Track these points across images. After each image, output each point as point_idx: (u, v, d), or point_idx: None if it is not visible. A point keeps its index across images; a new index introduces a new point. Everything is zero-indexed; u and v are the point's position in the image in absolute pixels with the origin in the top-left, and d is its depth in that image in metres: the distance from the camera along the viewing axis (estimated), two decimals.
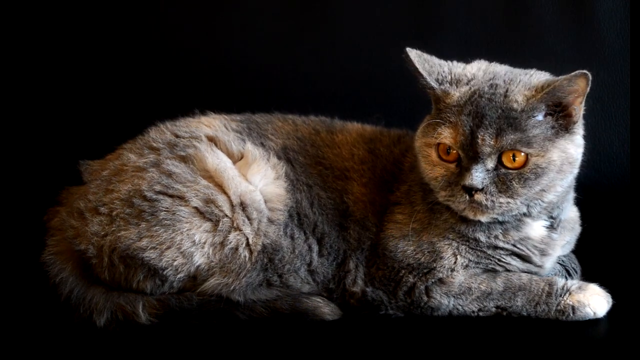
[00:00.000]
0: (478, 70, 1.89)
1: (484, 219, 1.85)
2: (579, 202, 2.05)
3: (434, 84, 1.85)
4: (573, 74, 1.76)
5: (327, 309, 1.92)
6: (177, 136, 2.01)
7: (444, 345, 1.81)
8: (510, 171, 1.79)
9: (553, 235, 1.94)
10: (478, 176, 1.78)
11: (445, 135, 1.81)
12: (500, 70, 1.89)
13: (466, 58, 1.99)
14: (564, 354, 1.76)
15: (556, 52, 2.57)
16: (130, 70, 2.71)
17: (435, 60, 1.91)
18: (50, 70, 2.70)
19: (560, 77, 1.80)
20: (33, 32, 2.69)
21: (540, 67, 1.93)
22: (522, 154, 1.78)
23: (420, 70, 1.86)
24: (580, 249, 2.10)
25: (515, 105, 1.79)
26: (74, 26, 2.70)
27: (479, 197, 1.79)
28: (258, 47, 2.71)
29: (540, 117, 1.80)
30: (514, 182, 1.79)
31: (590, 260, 2.12)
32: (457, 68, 1.90)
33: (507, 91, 1.81)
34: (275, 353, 1.80)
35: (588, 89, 1.79)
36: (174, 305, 1.89)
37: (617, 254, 2.29)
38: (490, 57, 1.99)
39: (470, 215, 1.84)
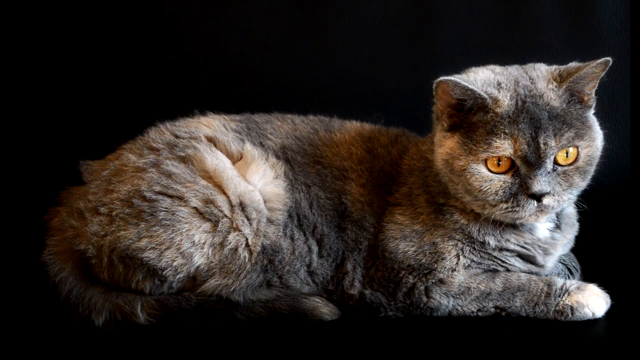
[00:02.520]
0: (493, 74, 1.86)
1: (544, 219, 1.86)
2: (578, 202, 2.04)
3: (484, 94, 1.79)
4: (597, 62, 1.78)
5: (326, 309, 1.93)
6: (176, 137, 2.01)
7: (444, 345, 1.81)
8: (567, 167, 1.80)
9: (555, 235, 1.94)
10: (545, 181, 1.77)
11: (505, 148, 1.77)
12: (511, 71, 1.88)
13: (466, 58, 1.99)
14: (563, 354, 1.76)
15: (556, 52, 2.57)
16: (130, 70, 2.71)
17: (464, 76, 1.86)
18: (50, 70, 2.70)
19: (575, 64, 1.83)
20: (33, 32, 2.69)
21: None
22: (575, 148, 1.79)
23: (471, 87, 1.78)
24: (580, 249, 2.10)
25: (554, 103, 1.79)
26: (74, 26, 2.70)
27: (547, 200, 1.79)
28: (257, 47, 2.71)
29: (572, 108, 1.81)
30: (575, 177, 1.81)
31: (589, 260, 2.11)
32: (473, 77, 1.86)
33: (539, 91, 1.81)
34: (275, 353, 1.80)
35: (603, 73, 1.82)
36: (172, 306, 1.89)
37: (616, 254, 2.28)
38: (490, 57, 1.99)
39: (532, 220, 1.84)
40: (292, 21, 2.71)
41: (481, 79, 1.84)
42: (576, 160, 1.80)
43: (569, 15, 2.60)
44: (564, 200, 1.81)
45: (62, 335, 1.88)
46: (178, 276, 1.89)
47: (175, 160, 1.94)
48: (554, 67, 1.89)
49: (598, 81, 1.84)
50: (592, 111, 1.86)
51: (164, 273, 1.88)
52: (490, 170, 1.80)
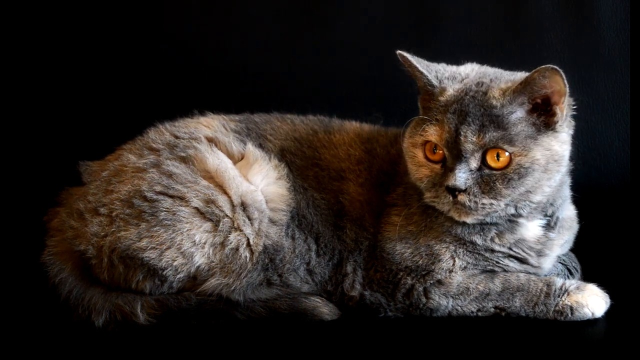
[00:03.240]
0: (471, 70, 1.90)
1: (468, 220, 1.85)
2: (578, 202, 2.05)
3: (434, 81, 1.85)
4: (543, 66, 1.74)
5: (325, 309, 1.93)
6: (176, 137, 2.01)
7: (444, 345, 1.81)
8: (494, 172, 1.78)
9: (550, 234, 1.93)
10: (461, 177, 1.78)
11: (431, 133, 1.81)
12: (490, 70, 1.91)
13: (466, 58, 1.99)
14: (563, 354, 1.76)
15: (556, 52, 2.57)
16: (129, 70, 2.71)
17: (429, 63, 1.92)
18: (50, 71, 2.70)
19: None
20: (33, 32, 2.69)
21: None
22: (506, 153, 1.78)
23: (420, 68, 1.86)
24: (580, 249, 2.10)
25: (494, 102, 1.79)
26: (74, 26, 2.70)
27: (462, 198, 1.79)
28: (257, 47, 2.71)
29: (520, 114, 1.79)
30: (497, 183, 1.79)
31: (589, 260, 2.11)
32: (451, 68, 1.92)
33: (488, 89, 1.81)
34: (274, 353, 1.80)
35: (567, 88, 1.78)
36: (172, 306, 1.89)
37: (616, 254, 2.28)
38: (490, 57, 1.99)
39: (455, 216, 1.84)
40: (292, 21, 2.71)
41: (450, 69, 1.89)
42: (506, 167, 1.78)
43: (569, 15, 2.60)
44: (483, 203, 1.79)
45: (62, 336, 1.88)
46: (178, 276, 1.89)
47: (175, 160, 1.94)
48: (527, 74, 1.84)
49: (564, 96, 1.79)
50: (562, 126, 1.82)
51: (164, 273, 1.88)
52: (426, 157, 1.84)
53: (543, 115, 1.81)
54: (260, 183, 1.96)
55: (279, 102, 2.22)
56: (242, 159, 2.00)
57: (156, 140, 2.00)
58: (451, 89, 1.84)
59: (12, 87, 2.70)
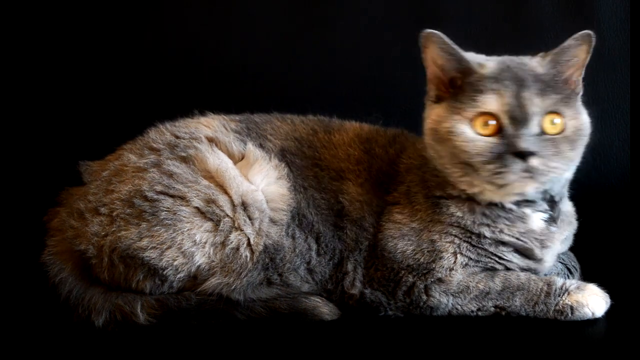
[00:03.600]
0: (483, 56, 1.92)
1: (531, 188, 1.82)
2: (578, 202, 2.05)
3: (469, 59, 1.83)
4: (579, 33, 1.81)
5: (325, 309, 1.93)
6: (177, 137, 2.01)
7: (444, 345, 1.81)
8: (555, 136, 1.79)
9: (552, 227, 1.93)
10: (531, 139, 1.75)
11: (490, 102, 1.78)
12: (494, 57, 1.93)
13: None
14: (563, 354, 1.76)
15: None
16: (129, 71, 2.71)
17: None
18: (50, 70, 2.70)
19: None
20: (33, 32, 2.69)
21: None
22: (562, 117, 1.79)
23: (453, 46, 1.83)
24: (580, 249, 2.10)
25: (539, 69, 1.81)
26: (74, 26, 2.70)
27: (534, 161, 1.75)
28: (257, 47, 2.71)
29: (554, 77, 1.82)
30: (564, 145, 1.79)
31: (589, 260, 2.12)
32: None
33: (523, 61, 1.84)
34: (274, 353, 1.80)
35: (588, 57, 1.83)
36: (172, 305, 1.89)
37: (616, 254, 2.29)
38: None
39: (519, 187, 1.81)
40: (292, 21, 2.71)
41: (470, 54, 1.89)
42: (563, 130, 1.79)
43: (569, 15, 2.60)
44: (552, 166, 1.78)
45: (62, 335, 1.88)
46: (179, 275, 1.89)
47: (176, 160, 1.94)
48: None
49: (584, 67, 1.85)
50: (579, 99, 1.87)
51: (164, 272, 1.89)
52: (477, 132, 1.80)
53: (565, 85, 1.84)
54: (261, 183, 1.96)
55: (279, 102, 2.22)
56: (242, 158, 2.00)
57: (157, 140, 2.00)
58: (491, 62, 1.84)
59: (12, 87, 2.70)
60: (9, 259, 2.31)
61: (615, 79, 2.54)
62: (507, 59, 1.88)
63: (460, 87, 1.84)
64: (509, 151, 1.76)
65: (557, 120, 1.79)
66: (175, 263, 1.87)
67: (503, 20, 2.64)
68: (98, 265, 1.92)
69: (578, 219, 2.04)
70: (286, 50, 2.70)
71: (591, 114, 1.88)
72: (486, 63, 1.85)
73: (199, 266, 1.88)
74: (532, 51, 2.56)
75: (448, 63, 1.85)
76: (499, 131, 1.78)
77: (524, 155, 1.75)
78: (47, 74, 2.71)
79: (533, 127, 1.77)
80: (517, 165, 1.76)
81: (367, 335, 1.87)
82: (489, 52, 2.26)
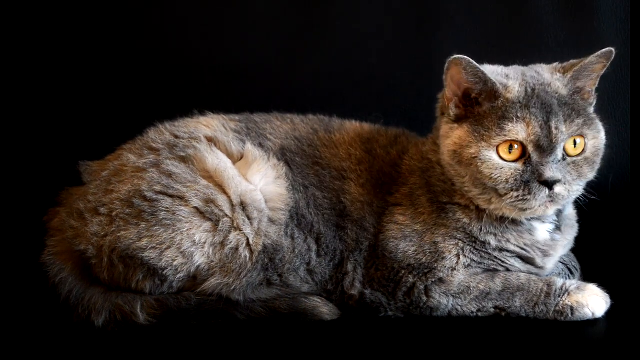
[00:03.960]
0: (502, 69, 1.89)
1: (552, 210, 1.86)
2: (578, 202, 2.04)
3: (495, 80, 1.80)
4: (602, 51, 1.82)
5: (325, 309, 1.93)
6: (176, 137, 2.01)
7: (444, 345, 1.81)
8: (576, 158, 1.81)
9: (555, 236, 1.94)
10: (556, 167, 1.78)
11: (517, 131, 1.78)
12: (518, 67, 1.91)
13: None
14: (563, 354, 1.76)
15: (556, 52, 2.57)
16: (129, 70, 2.71)
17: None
18: (50, 70, 2.70)
19: (583, 58, 1.86)
20: (33, 32, 2.69)
21: None
22: (583, 138, 1.80)
23: (485, 71, 1.80)
24: (580, 249, 2.10)
25: (563, 92, 1.82)
26: (74, 26, 2.70)
27: (559, 189, 1.79)
28: (257, 47, 2.71)
29: (575, 97, 1.84)
30: (584, 167, 1.82)
31: (589, 260, 2.12)
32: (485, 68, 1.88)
33: (546, 80, 1.83)
34: (274, 353, 1.80)
35: (604, 69, 1.85)
36: (172, 305, 1.89)
37: (616, 254, 2.28)
38: (490, 57, 1.99)
39: (541, 211, 1.83)
40: (292, 21, 2.71)
41: (490, 70, 1.86)
42: (584, 151, 1.82)
43: (569, 15, 2.60)
44: (574, 190, 1.82)
45: (62, 335, 1.88)
46: (178, 275, 1.89)
47: (175, 160, 1.94)
48: (555, 63, 1.92)
49: (599, 78, 1.86)
50: (592, 108, 1.89)
51: (164, 272, 1.89)
52: (501, 158, 1.80)
53: (581, 98, 1.85)
54: (260, 182, 1.96)
55: (279, 102, 2.22)
56: (241, 158, 2.00)
57: (156, 140, 2.00)
58: (516, 85, 1.82)
59: (12, 87, 2.70)
60: (9, 259, 2.30)
61: (615, 79, 2.54)
62: (528, 76, 1.85)
63: (483, 111, 1.82)
64: (536, 179, 1.78)
65: (579, 141, 1.81)
66: (175, 263, 1.88)
67: (503, 20, 2.64)
68: (98, 265, 1.92)
69: (578, 222, 2.04)
70: (286, 50, 2.70)
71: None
72: (511, 85, 1.82)
73: (198, 266, 1.88)
74: (531, 51, 2.58)
75: (474, 86, 1.83)
76: (523, 155, 1.79)
77: (549, 183, 1.78)
78: (47, 74, 2.71)
79: (558, 153, 1.79)
80: (543, 192, 1.79)
81: (367, 335, 1.87)
82: (489, 52, 2.26)
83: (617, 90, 2.55)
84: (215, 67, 2.71)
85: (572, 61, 1.88)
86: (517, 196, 1.80)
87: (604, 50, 1.82)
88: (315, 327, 1.90)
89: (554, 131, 1.77)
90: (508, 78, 1.84)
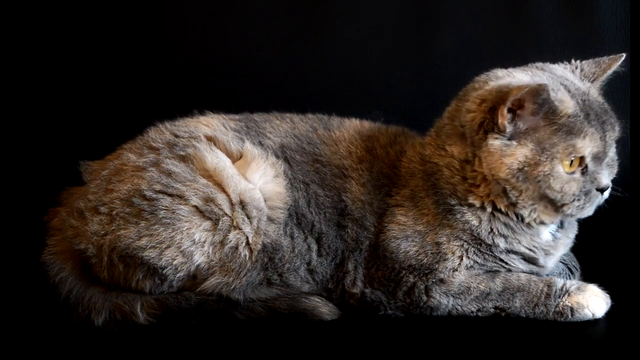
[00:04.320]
0: (533, 77, 1.86)
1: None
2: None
3: (554, 99, 1.77)
4: (622, 59, 1.91)
5: (325, 309, 1.93)
6: (176, 136, 2.01)
7: (444, 345, 1.81)
8: (607, 159, 1.86)
9: (557, 234, 1.95)
10: (607, 174, 1.85)
11: (585, 147, 1.79)
12: (544, 74, 1.89)
13: (466, 58, 1.99)
14: (563, 354, 1.76)
15: (556, 52, 2.56)
16: (129, 70, 2.71)
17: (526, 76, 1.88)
18: (50, 70, 2.70)
19: (600, 59, 1.93)
20: (33, 32, 2.69)
21: None
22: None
23: (556, 95, 1.79)
24: (580, 249, 2.09)
25: (599, 98, 1.87)
26: (74, 26, 2.70)
27: (607, 191, 1.87)
28: (256, 47, 2.71)
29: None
30: (614, 166, 1.89)
31: (589, 260, 2.11)
32: (516, 81, 1.84)
33: (583, 88, 1.85)
34: (274, 353, 1.80)
35: None
36: (172, 305, 1.89)
37: (617, 254, 2.28)
38: (490, 57, 2.00)
39: (586, 214, 1.88)
40: (292, 20, 2.71)
41: (520, 76, 1.87)
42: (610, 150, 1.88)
43: (569, 15, 2.60)
44: (610, 189, 1.88)
45: (62, 335, 1.88)
46: (178, 275, 1.89)
47: (175, 159, 1.94)
48: (566, 64, 1.94)
49: None
50: None
51: (164, 272, 1.88)
52: (565, 172, 1.82)
53: None
54: (259, 181, 1.95)
55: (279, 102, 2.22)
56: (241, 157, 2.00)
57: (156, 139, 2.00)
58: (567, 98, 1.82)
59: (12, 87, 2.70)
60: (9, 259, 2.30)
61: (615, 79, 2.53)
62: (566, 85, 1.84)
63: (541, 126, 1.79)
64: (594, 188, 1.83)
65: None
66: (175, 262, 1.87)
67: (503, 19, 2.64)
68: (98, 265, 1.92)
69: (578, 221, 2.04)
70: (286, 50, 2.70)
71: None
72: (565, 99, 1.80)
73: (198, 265, 1.88)
74: (531, 51, 2.58)
75: (526, 109, 1.79)
76: (579, 164, 1.82)
77: (604, 190, 1.84)
78: (47, 74, 2.71)
79: (607, 161, 1.85)
80: (599, 199, 1.85)
81: (367, 335, 1.87)
82: (489, 52, 2.26)
83: (617, 90, 2.55)
84: (215, 67, 2.71)
85: (589, 65, 1.92)
86: (578, 205, 1.83)
87: (622, 56, 1.91)
88: (315, 327, 1.90)
89: (609, 141, 1.83)
90: (554, 90, 1.81)
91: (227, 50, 2.71)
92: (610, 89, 2.53)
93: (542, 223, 1.90)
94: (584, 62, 1.95)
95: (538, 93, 1.74)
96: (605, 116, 1.84)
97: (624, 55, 1.87)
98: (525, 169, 1.81)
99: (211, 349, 1.81)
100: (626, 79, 2.54)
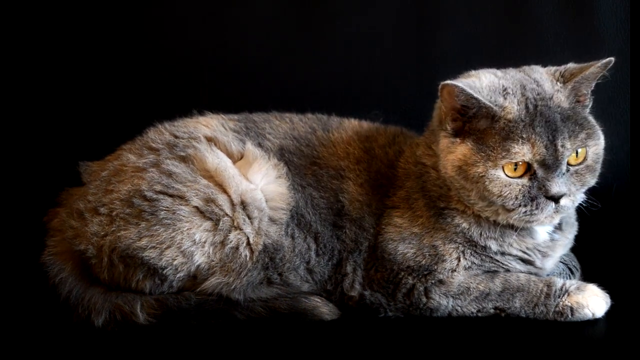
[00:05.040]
0: (497, 79, 1.85)
1: (558, 219, 1.88)
2: (580, 207, 2.05)
3: (491, 104, 1.78)
4: (603, 61, 1.80)
5: (325, 309, 1.93)
6: (175, 137, 2.01)
7: (444, 345, 1.81)
8: (578, 167, 1.81)
9: (555, 236, 1.94)
10: (562, 182, 1.78)
11: (524, 152, 1.77)
12: (513, 74, 1.88)
13: (466, 58, 1.99)
14: (563, 354, 1.76)
15: (556, 52, 2.57)
16: (129, 70, 2.71)
17: (468, 83, 1.84)
18: (50, 71, 2.70)
19: (573, 65, 1.85)
20: (33, 32, 2.69)
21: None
22: (585, 148, 1.81)
23: (477, 96, 1.78)
24: (580, 249, 2.10)
25: (564, 104, 1.81)
26: (73, 26, 2.70)
27: (564, 201, 1.80)
28: (256, 47, 2.71)
29: (575, 107, 1.83)
30: (587, 176, 1.83)
31: (589, 260, 2.11)
32: (477, 83, 1.84)
33: (547, 93, 1.81)
34: (274, 353, 1.80)
35: (602, 73, 1.84)
36: (172, 305, 1.89)
37: (616, 254, 2.28)
38: (490, 57, 1.99)
39: (548, 221, 1.85)
40: (292, 21, 2.71)
41: (487, 85, 1.83)
42: (585, 159, 1.82)
43: (569, 15, 2.60)
44: (577, 199, 1.84)
45: (62, 335, 1.88)
46: (178, 275, 1.89)
47: (175, 159, 1.94)
48: (552, 67, 1.89)
49: (595, 81, 1.85)
50: (588, 110, 1.88)
51: (164, 272, 1.89)
52: (507, 175, 1.80)
53: (577, 103, 1.85)
54: (260, 182, 1.96)
55: (279, 102, 2.22)
56: (241, 158, 2.00)
57: (156, 140, 2.00)
58: (513, 105, 1.80)
59: (12, 87, 2.70)
60: (9, 259, 2.30)
61: (615, 79, 2.53)
62: (528, 88, 1.82)
63: (484, 129, 1.80)
64: (543, 195, 1.79)
65: (581, 150, 1.81)
66: (175, 262, 1.87)
67: (503, 19, 2.64)
68: (98, 265, 1.92)
69: (578, 221, 2.04)
70: (286, 50, 2.70)
71: (591, 114, 1.88)
72: (508, 105, 1.79)
73: (198, 266, 1.88)
74: (531, 51, 2.58)
75: (470, 108, 1.81)
76: (528, 169, 1.79)
77: (555, 198, 1.79)
78: (47, 74, 2.70)
79: (563, 169, 1.79)
80: (550, 206, 1.80)
81: (367, 335, 1.87)
82: (489, 52, 2.26)
83: (617, 90, 2.55)
84: (214, 67, 2.71)
85: (571, 68, 1.85)
86: (525, 211, 1.81)
87: (604, 60, 1.80)
88: (315, 327, 1.90)
89: (560, 149, 1.77)
90: (506, 94, 1.81)
91: (226, 50, 2.71)
92: (611, 89, 2.54)
93: (523, 227, 1.88)
94: (571, 64, 1.88)
95: (455, 94, 1.77)
96: (562, 124, 1.78)
97: (612, 60, 1.80)
98: (464, 167, 1.82)
99: (211, 349, 1.81)
100: (626, 79, 2.54)
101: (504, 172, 1.79)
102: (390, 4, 2.69)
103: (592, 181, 1.85)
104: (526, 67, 1.91)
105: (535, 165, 1.78)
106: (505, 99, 1.80)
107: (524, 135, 1.77)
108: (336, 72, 2.68)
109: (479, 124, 1.81)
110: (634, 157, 2.52)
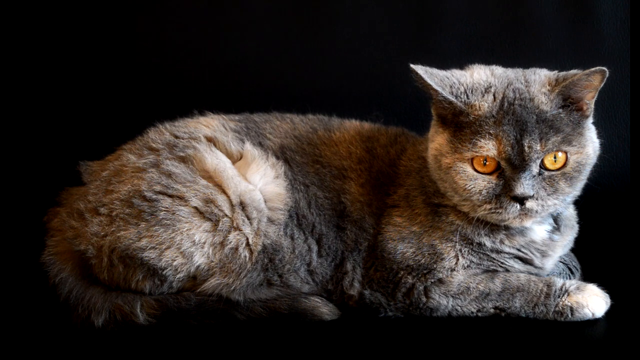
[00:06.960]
0: (487, 76, 1.87)
1: (529, 223, 1.86)
2: (578, 202, 2.05)
3: (451, 97, 1.80)
4: (592, 70, 1.77)
5: (325, 309, 1.93)
6: (176, 137, 2.01)
7: (444, 345, 1.81)
8: (554, 172, 1.79)
9: (554, 236, 1.94)
10: (528, 184, 1.77)
11: (489, 148, 1.77)
12: (509, 73, 1.88)
13: (466, 58, 1.99)
14: (563, 354, 1.76)
15: (556, 52, 2.57)
16: (129, 71, 2.71)
17: (440, 72, 1.86)
18: (50, 71, 2.70)
19: (575, 71, 1.82)
20: (33, 32, 2.69)
21: (540, 67, 1.93)
22: (565, 153, 1.79)
23: (435, 86, 1.80)
24: (580, 249, 2.10)
25: (545, 107, 1.79)
26: (73, 26, 2.70)
27: (530, 204, 1.78)
28: (257, 47, 2.71)
29: (563, 113, 1.80)
30: (560, 183, 1.80)
31: (589, 260, 2.12)
32: (463, 77, 1.86)
33: (530, 94, 1.80)
34: (275, 353, 1.80)
35: (602, 84, 1.80)
36: (172, 306, 1.89)
37: (616, 254, 2.28)
38: (490, 57, 1.99)
39: (516, 223, 1.84)
40: (292, 20, 2.71)
41: (468, 81, 1.84)
42: (564, 165, 1.79)
43: (569, 15, 2.60)
44: (548, 205, 1.80)
45: (62, 335, 1.88)
46: (178, 276, 1.89)
47: (175, 160, 1.94)
48: (555, 72, 1.88)
49: (597, 92, 1.82)
50: (589, 120, 1.85)
51: (164, 273, 1.89)
52: (476, 170, 1.80)
53: (574, 112, 1.82)
54: (259, 182, 1.96)
55: (279, 102, 2.22)
56: (241, 158, 2.00)
57: (156, 140, 2.00)
58: (485, 102, 1.80)
59: (12, 87, 2.70)
60: (9, 259, 2.30)
61: (615, 79, 2.54)
62: (512, 88, 1.81)
63: (461, 121, 1.81)
64: (507, 194, 1.78)
65: (560, 155, 1.79)
66: (175, 263, 1.88)
67: (503, 20, 2.64)
68: (97, 266, 1.92)
69: (578, 222, 2.04)
70: (286, 50, 2.70)
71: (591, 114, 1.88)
72: (477, 103, 1.80)
73: (198, 266, 1.88)
74: (531, 51, 2.58)
75: (440, 101, 1.82)
76: (497, 167, 1.79)
77: (519, 199, 1.77)
78: (47, 74, 2.71)
79: (533, 168, 1.77)
80: (514, 207, 1.79)
81: (367, 335, 1.87)
82: (489, 52, 2.26)
83: (617, 91, 2.55)
84: (215, 67, 2.71)
85: (565, 74, 1.84)
86: (490, 208, 1.81)
87: (594, 69, 1.77)
88: (315, 327, 1.90)
89: (527, 149, 1.75)
90: (487, 91, 1.81)
91: (227, 50, 2.71)
92: (611, 90, 2.55)
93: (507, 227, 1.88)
94: (573, 71, 1.86)
95: (414, 79, 1.81)
96: (535, 125, 1.76)
97: (604, 69, 1.77)
98: (438, 157, 1.84)
99: (211, 349, 1.81)
100: (626, 79, 2.54)
101: (473, 166, 1.80)
102: (390, 4, 2.69)
103: (567, 189, 1.81)
104: (531, 69, 1.91)
105: (503, 164, 1.78)
106: (483, 96, 1.81)
107: (491, 131, 1.78)
108: (336, 73, 2.69)
109: (461, 116, 1.82)
110: (634, 157, 2.52)
